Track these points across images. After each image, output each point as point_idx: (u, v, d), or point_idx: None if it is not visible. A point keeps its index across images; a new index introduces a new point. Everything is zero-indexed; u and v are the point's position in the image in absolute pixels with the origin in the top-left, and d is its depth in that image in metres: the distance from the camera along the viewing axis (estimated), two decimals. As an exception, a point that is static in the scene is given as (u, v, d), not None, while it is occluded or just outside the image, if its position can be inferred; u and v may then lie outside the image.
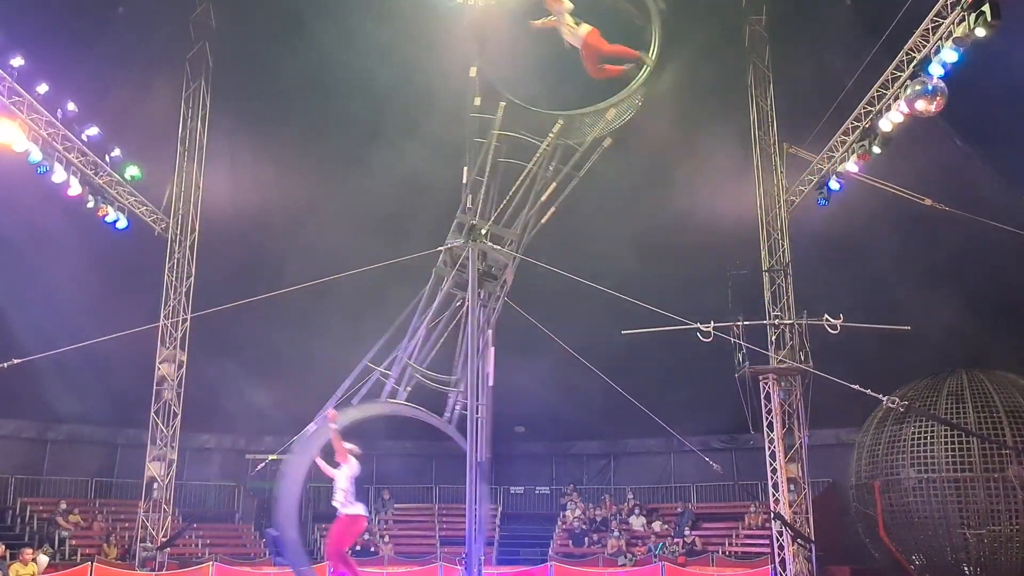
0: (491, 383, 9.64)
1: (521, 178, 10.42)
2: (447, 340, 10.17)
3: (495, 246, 10.13)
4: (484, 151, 10.40)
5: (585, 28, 10.27)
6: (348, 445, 9.55)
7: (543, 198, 10.40)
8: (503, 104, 10.27)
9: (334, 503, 9.57)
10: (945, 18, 13.23)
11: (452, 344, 10.05)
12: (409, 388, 9.79)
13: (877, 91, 15.36)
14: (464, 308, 9.99)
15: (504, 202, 10.37)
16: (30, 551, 15.93)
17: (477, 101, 10.41)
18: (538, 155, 10.43)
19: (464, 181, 10.43)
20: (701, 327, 13.32)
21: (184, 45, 19.08)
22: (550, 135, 10.36)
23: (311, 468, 9.74)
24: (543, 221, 10.60)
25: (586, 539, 21.63)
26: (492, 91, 10.35)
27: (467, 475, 9.49)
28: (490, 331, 9.91)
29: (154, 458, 18.19)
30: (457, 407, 9.62)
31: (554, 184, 10.48)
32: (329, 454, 9.58)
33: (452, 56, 15.23)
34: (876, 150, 15.60)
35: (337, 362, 17.24)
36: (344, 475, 9.44)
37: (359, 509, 9.50)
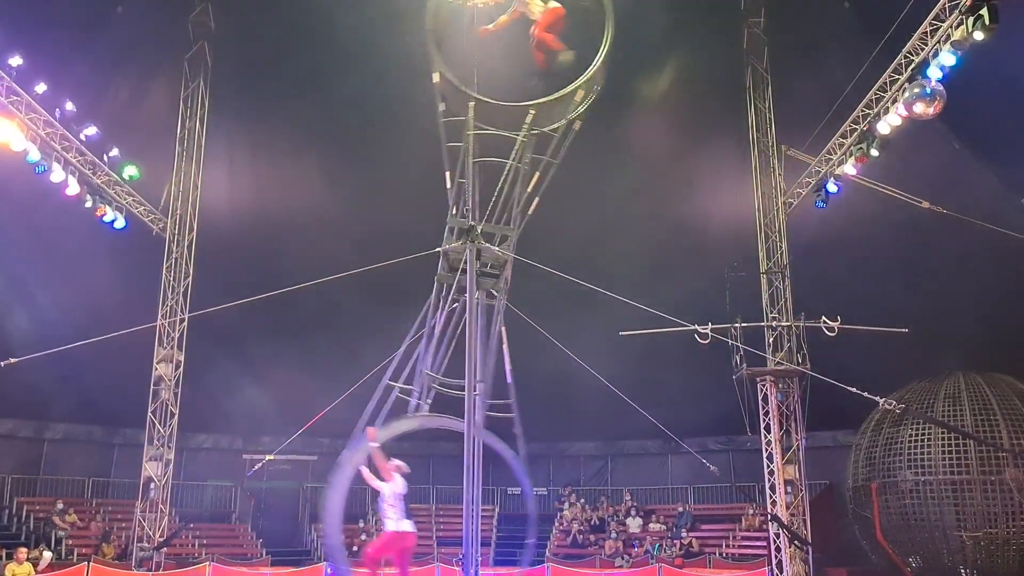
0: (509, 379, 9.82)
1: (504, 174, 10.50)
2: (457, 346, 10.22)
3: (491, 246, 10.12)
4: (462, 153, 10.49)
5: (553, 3, 10.53)
6: (393, 462, 9.58)
7: (528, 189, 10.49)
8: (472, 104, 10.33)
9: (383, 520, 9.62)
10: (943, 21, 13.25)
11: (462, 349, 10.11)
12: (429, 400, 9.93)
13: (875, 94, 15.38)
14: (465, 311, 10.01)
15: (492, 201, 10.44)
16: (24, 550, 15.92)
17: (442, 106, 10.52)
18: (516, 148, 10.51)
19: (448, 186, 10.55)
20: (699, 329, 13.33)
21: (183, 45, 19.06)
22: (524, 127, 10.41)
23: (353, 479, 9.74)
24: (530, 212, 10.69)
25: (583, 538, 21.63)
26: (459, 93, 10.42)
27: (464, 475, 9.48)
28: (502, 328, 10.03)
29: (151, 458, 18.16)
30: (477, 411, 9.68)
31: (537, 174, 10.57)
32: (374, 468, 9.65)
33: (454, 57, 15.26)
34: (874, 153, 15.61)
35: (335, 362, 17.38)
36: (389, 491, 9.45)
37: (406, 526, 9.46)
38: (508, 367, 9.93)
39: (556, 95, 10.41)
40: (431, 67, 10.31)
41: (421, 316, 10.12)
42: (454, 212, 10.30)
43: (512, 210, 10.45)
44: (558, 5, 10.52)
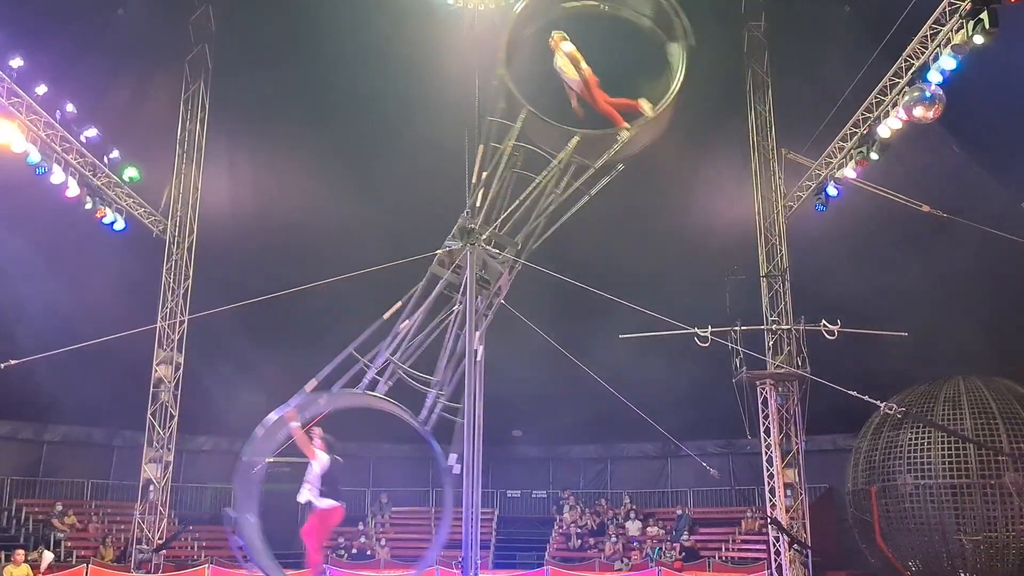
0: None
1: (530, 189, 10.25)
2: (433, 342, 9.92)
3: (493, 251, 10.06)
4: (496, 157, 10.23)
5: (586, 71, 9.95)
6: (318, 438, 9.38)
7: (548, 212, 10.24)
8: (523, 116, 10.06)
9: (299, 498, 9.43)
10: (943, 25, 13.27)
11: (437, 346, 9.90)
12: (390, 383, 9.47)
13: (875, 97, 15.40)
14: (455, 310, 9.86)
15: (509, 211, 10.19)
16: (22, 552, 15.92)
17: (502, 104, 10.15)
18: (549, 169, 10.22)
19: (473, 180, 10.29)
20: (699, 332, 13.30)
21: (184, 47, 19.08)
22: (564, 151, 10.10)
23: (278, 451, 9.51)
24: (546, 235, 10.42)
25: (581, 541, 21.61)
26: (512, 99, 10.14)
27: (463, 478, 9.47)
28: (478, 334, 9.69)
29: (150, 460, 18.16)
30: (436, 410, 9.47)
31: (561, 197, 10.26)
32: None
33: (452, 59, 15.29)
34: (874, 156, 15.63)
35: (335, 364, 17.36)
36: (312, 471, 9.30)
37: (327, 503, 9.33)
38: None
39: (603, 132, 10.06)
40: (498, 64, 10.03)
41: (404, 299, 9.88)
42: (470, 210, 10.06)
43: (528, 227, 10.18)
44: (588, 72, 9.92)
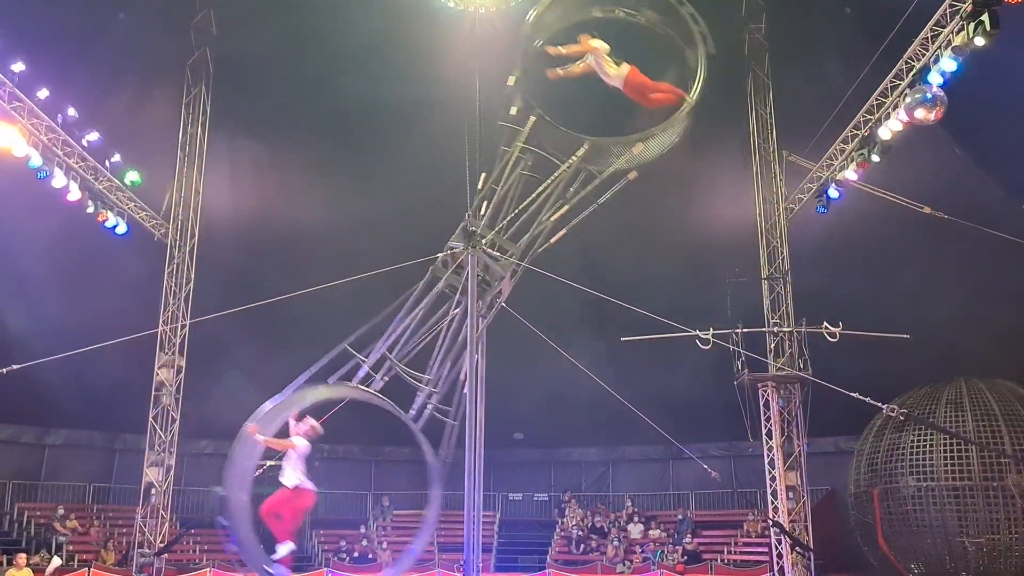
0: (466, 390, 9.56)
1: (536, 193, 10.18)
2: (433, 341, 9.90)
3: (494, 255, 10.05)
4: (504, 161, 10.17)
5: (625, 68, 10.05)
6: (306, 424, 9.51)
7: (553, 218, 10.20)
8: (533, 118, 10.02)
9: (286, 482, 9.49)
10: (944, 27, 13.27)
11: (432, 345, 9.86)
12: (385, 379, 9.49)
13: (876, 99, 15.40)
14: (453, 310, 9.85)
15: (514, 214, 10.16)
16: (24, 556, 15.92)
17: (513, 110, 10.09)
18: (557, 174, 10.18)
19: (479, 186, 10.25)
20: (700, 334, 13.34)
21: (185, 51, 19.10)
22: (573, 157, 10.09)
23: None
24: (551, 242, 10.38)
25: (583, 545, 21.59)
26: (524, 103, 10.08)
27: (465, 481, 9.47)
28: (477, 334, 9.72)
29: (152, 463, 18.14)
30: (428, 407, 9.44)
31: (566, 207, 10.25)
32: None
33: (453, 63, 15.30)
34: (875, 158, 15.63)
35: (335, 367, 17.35)
36: (299, 451, 9.43)
37: (307, 484, 9.39)
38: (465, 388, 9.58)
39: (614, 139, 10.06)
40: (513, 69, 9.99)
41: (403, 297, 9.87)
42: (475, 213, 10.05)
43: (532, 232, 10.17)
44: (629, 68, 10.06)
